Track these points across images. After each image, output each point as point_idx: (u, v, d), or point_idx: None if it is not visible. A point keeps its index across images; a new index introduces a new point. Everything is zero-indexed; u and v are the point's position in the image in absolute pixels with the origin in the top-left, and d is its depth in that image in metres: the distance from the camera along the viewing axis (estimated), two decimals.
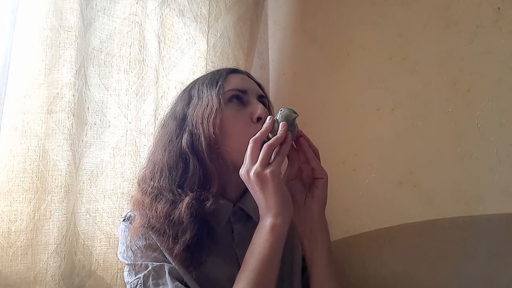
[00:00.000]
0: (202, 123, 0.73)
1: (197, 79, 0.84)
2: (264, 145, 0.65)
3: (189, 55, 1.16)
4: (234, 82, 0.78)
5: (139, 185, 0.78)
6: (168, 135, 0.77)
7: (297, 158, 0.73)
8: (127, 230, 0.73)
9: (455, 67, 0.96)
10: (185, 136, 0.74)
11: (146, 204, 0.71)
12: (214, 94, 0.74)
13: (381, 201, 1.07)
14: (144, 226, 0.70)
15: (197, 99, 0.77)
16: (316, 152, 0.72)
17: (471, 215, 0.90)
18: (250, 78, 0.84)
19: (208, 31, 1.19)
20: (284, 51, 1.41)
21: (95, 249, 0.93)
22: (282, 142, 0.67)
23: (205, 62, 1.18)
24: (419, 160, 1.01)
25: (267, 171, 0.63)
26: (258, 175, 0.63)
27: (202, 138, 0.72)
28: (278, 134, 0.67)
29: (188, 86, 0.84)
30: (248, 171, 0.65)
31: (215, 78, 0.78)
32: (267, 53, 1.45)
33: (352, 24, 1.20)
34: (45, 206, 0.82)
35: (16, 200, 0.80)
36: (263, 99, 0.81)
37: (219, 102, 0.73)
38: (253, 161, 0.65)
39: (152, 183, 0.74)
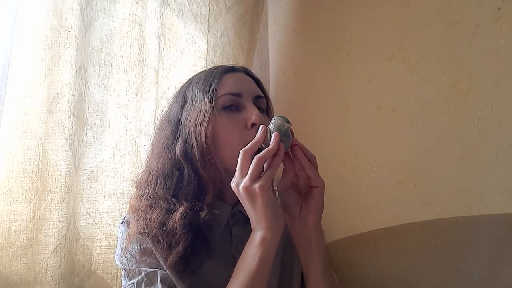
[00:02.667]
0: (194, 131, 0.72)
1: (192, 78, 0.82)
2: (254, 158, 0.63)
3: (189, 55, 1.15)
4: (228, 85, 0.75)
5: (136, 189, 0.78)
6: (163, 141, 0.76)
7: (292, 168, 0.70)
8: (124, 233, 0.73)
9: (455, 67, 0.96)
10: (179, 144, 0.73)
11: (141, 212, 0.71)
12: (207, 100, 0.72)
13: (381, 201, 1.07)
14: (139, 233, 0.70)
15: (190, 104, 0.75)
16: (312, 160, 0.69)
17: (471, 215, 0.90)
18: (248, 74, 0.81)
19: (208, 31, 1.19)
20: (284, 51, 1.41)
21: (95, 249, 0.93)
22: (274, 154, 0.64)
23: (205, 62, 1.18)
24: (419, 160, 1.01)
25: (256, 185, 0.62)
26: (247, 189, 0.62)
27: (195, 147, 0.71)
28: (270, 146, 0.65)
29: (184, 85, 0.82)
30: (238, 184, 0.64)
31: (208, 80, 0.76)
32: (267, 53, 1.45)
33: (352, 24, 1.20)
34: (45, 206, 0.82)
35: (16, 200, 0.80)
36: (260, 99, 0.78)
37: (212, 109, 0.71)
38: (243, 174, 0.64)
39: (147, 190, 0.74)
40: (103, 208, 0.95)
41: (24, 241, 0.80)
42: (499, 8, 0.90)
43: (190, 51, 1.16)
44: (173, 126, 0.76)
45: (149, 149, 0.81)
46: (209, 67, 0.84)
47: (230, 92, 0.74)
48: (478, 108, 0.91)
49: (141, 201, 0.73)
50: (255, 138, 0.67)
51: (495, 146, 0.88)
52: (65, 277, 0.84)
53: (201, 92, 0.75)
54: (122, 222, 0.76)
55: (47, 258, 0.82)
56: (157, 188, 0.72)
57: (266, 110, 0.81)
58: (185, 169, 0.72)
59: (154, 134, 0.82)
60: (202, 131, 0.70)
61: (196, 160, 0.71)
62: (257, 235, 0.63)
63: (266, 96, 0.82)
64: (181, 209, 0.68)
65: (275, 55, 1.43)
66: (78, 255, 0.90)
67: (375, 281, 1.05)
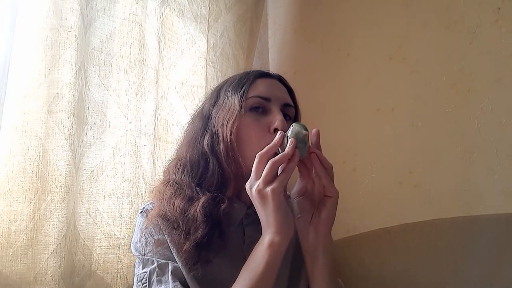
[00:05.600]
0: (221, 127, 0.74)
1: (229, 78, 0.85)
2: (269, 161, 0.65)
3: (189, 55, 1.15)
4: (259, 88, 0.77)
5: (164, 175, 0.81)
6: (194, 132, 0.80)
7: (307, 175, 0.72)
8: (142, 221, 0.75)
9: (455, 67, 0.96)
10: (207, 137, 0.76)
11: (166, 197, 0.73)
12: (237, 99, 0.75)
13: (381, 201, 1.07)
14: (160, 216, 0.72)
15: (222, 101, 0.79)
16: (328, 169, 0.70)
17: (471, 215, 0.90)
18: (282, 82, 0.83)
19: (208, 31, 1.19)
20: (284, 51, 1.41)
21: (95, 249, 0.93)
22: (289, 159, 0.66)
23: (205, 62, 1.18)
24: (419, 160, 1.01)
25: (268, 189, 0.63)
26: (259, 192, 0.64)
27: (221, 142, 0.74)
28: (285, 151, 0.66)
29: (220, 84, 0.85)
30: (251, 186, 0.65)
31: (241, 82, 0.79)
32: (267, 53, 1.45)
33: (352, 24, 1.20)
34: (45, 206, 0.82)
35: (16, 200, 0.80)
36: (289, 107, 0.80)
37: (240, 108, 0.74)
38: (257, 176, 0.65)
39: (174, 176, 0.77)
40: (103, 208, 0.94)
41: (24, 241, 0.80)
42: (499, 8, 0.90)
43: (190, 51, 1.16)
44: (204, 120, 0.80)
45: (180, 139, 0.85)
46: (210, 68, 0.85)
47: (259, 95, 0.77)
48: (478, 108, 0.91)
49: (167, 186, 0.75)
50: (272, 143, 0.68)
51: (495, 146, 0.89)
52: (65, 277, 0.84)
53: (232, 91, 0.78)
54: (141, 212, 0.78)
55: (47, 258, 0.82)
56: (183, 175, 0.76)
57: (294, 120, 0.83)
58: (211, 161, 0.75)
59: (187, 125, 0.86)
60: (228, 128, 0.73)
61: (221, 154, 0.74)
62: (266, 238, 0.64)
63: (296, 106, 0.84)
64: (203, 198, 0.71)
65: (275, 55, 1.43)
66: (78, 255, 0.90)
67: (375, 280, 1.06)
